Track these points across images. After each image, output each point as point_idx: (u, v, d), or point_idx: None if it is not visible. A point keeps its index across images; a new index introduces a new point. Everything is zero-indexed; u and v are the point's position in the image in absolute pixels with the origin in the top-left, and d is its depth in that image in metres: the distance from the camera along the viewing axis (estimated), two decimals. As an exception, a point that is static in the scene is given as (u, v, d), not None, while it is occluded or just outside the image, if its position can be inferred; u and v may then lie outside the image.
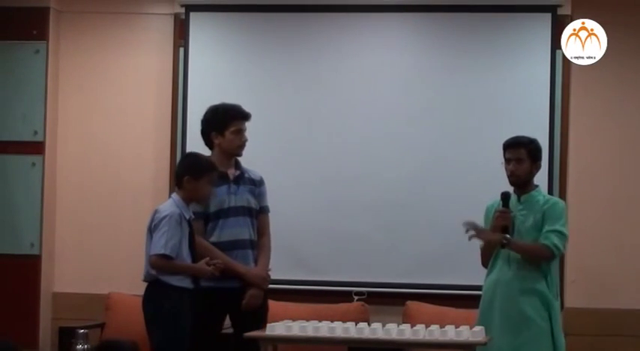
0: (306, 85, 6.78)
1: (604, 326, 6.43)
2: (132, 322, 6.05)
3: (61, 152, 6.99)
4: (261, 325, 4.95)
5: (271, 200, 5.40)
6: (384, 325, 4.74)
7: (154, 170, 6.88)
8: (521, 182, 5.11)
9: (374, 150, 6.66)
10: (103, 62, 7.00)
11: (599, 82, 6.56)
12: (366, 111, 6.68)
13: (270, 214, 5.38)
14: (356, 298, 6.57)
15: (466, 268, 6.09)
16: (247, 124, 5.30)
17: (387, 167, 6.64)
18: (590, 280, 6.49)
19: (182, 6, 6.86)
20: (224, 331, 5.28)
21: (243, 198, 5.24)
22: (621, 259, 6.50)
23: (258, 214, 5.30)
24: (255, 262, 5.25)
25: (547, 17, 6.57)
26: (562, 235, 5.00)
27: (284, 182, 6.48)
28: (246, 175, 5.30)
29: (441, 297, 6.49)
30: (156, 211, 4.97)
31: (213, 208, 5.16)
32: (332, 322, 4.84)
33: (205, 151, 5.26)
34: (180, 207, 4.94)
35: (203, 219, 5.15)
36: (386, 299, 6.54)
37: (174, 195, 5.03)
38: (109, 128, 6.97)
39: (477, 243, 5.13)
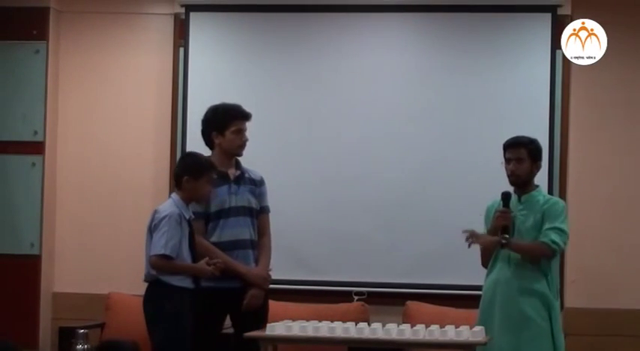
0: (306, 85, 6.78)
1: (604, 326, 6.43)
2: (132, 322, 6.05)
3: (61, 152, 6.98)
4: (262, 325, 4.95)
5: (271, 200, 5.41)
6: (384, 325, 4.75)
7: (153, 170, 6.88)
8: (522, 182, 5.11)
9: (374, 150, 6.66)
10: (103, 62, 7.00)
11: (599, 82, 6.56)
12: (366, 111, 6.68)
13: (270, 214, 5.38)
14: (356, 298, 6.56)
15: (466, 268, 6.08)
16: (247, 124, 5.30)
17: (387, 167, 6.64)
18: (590, 280, 6.49)
19: (182, 6, 6.86)
20: (224, 331, 5.28)
21: (243, 198, 5.24)
22: (621, 259, 6.50)
23: (258, 214, 5.31)
24: (256, 262, 5.25)
25: (547, 17, 6.57)
26: (562, 232, 5.00)
27: (284, 182, 6.47)
28: (247, 175, 5.30)
29: (441, 297, 6.49)
30: (156, 212, 4.97)
31: (213, 208, 5.16)
32: (332, 322, 4.85)
33: (205, 151, 5.26)
34: (179, 207, 4.94)
35: (204, 219, 5.15)
36: (386, 299, 6.54)
37: (174, 195, 5.03)
38: (109, 128, 6.98)
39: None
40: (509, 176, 5.12)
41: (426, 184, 6.61)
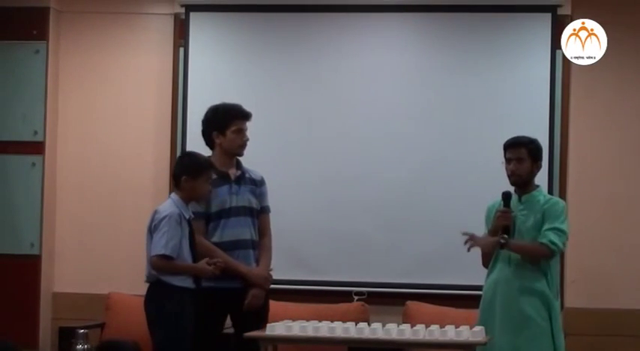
0: (306, 85, 6.78)
1: (604, 326, 6.43)
2: (132, 322, 6.06)
3: (61, 152, 6.98)
4: (262, 325, 4.95)
5: (271, 200, 5.41)
6: (384, 325, 4.75)
7: (153, 170, 6.88)
8: (522, 182, 5.11)
9: (374, 150, 6.66)
10: (103, 62, 7.00)
11: (599, 82, 6.56)
12: (366, 111, 6.68)
13: (270, 214, 5.38)
14: (356, 298, 6.56)
15: (466, 268, 6.08)
16: (247, 124, 5.30)
17: (387, 167, 6.64)
18: (590, 280, 6.49)
19: (182, 6, 6.86)
20: (225, 331, 5.27)
21: (244, 198, 5.24)
22: (621, 259, 6.50)
23: (259, 214, 5.31)
24: (257, 262, 5.25)
25: (547, 17, 6.57)
26: (561, 233, 5.00)
27: (284, 182, 6.47)
28: (248, 175, 5.30)
29: (441, 297, 6.49)
30: (155, 212, 4.97)
31: (214, 208, 5.16)
32: (332, 322, 4.85)
33: (206, 151, 5.25)
34: (179, 207, 4.94)
35: (204, 219, 5.15)
36: (386, 299, 6.54)
37: (173, 195, 5.03)
38: (109, 128, 6.97)
39: (477, 243, 5.14)
40: (509, 176, 5.12)
41: (426, 184, 6.61)
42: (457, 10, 6.67)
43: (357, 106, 6.70)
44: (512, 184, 5.14)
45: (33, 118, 6.84)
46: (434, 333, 4.66)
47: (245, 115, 5.28)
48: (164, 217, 4.88)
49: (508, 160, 5.12)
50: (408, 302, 6.44)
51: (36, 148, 6.84)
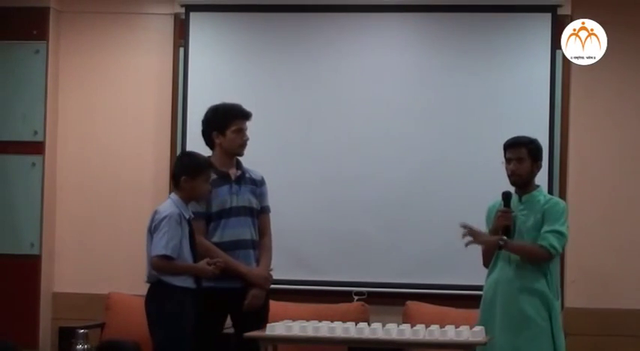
0: (306, 85, 6.78)
1: (604, 326, 6.43)
2: (132, 322, 6.06)
3: (61, 152, 6.98)
4: (263, 325, 4.95)
5: (271, 200, 5.40)
6: (384, 325, 4.75)
7: (153, 170, 6.88)
8: (522, 182, 5.11)
9: (374, 150, 6.66)
10: (103, 62, 7.00)
11: (599, 82, 6.56)
12: (366, 111, 6.68)
13: (270, 214, 5.38)
14: (356, 298, 6.56)
15: (466, 268, 6.09)
16: (247, 124, 5.30)
17: (387, 167, 6.64)
18: (590, 280, 6.49)
19: (182, 6, 6.86)
20: (225, 331, 5.27)
21: (244, 198, 5.24)
22: (621, 259, 6.50)
23: (259, 214, 5.30)
24: (257, 262, 5.25)
25: (547, 17, 6.57)
26: (561, 235, 5.00)
27: (284, 182, 6.47)
28: (248, 175, 5.30)
29: (441, 297, 6.49)
30: (155, 212, 4.97)
31: (215, 208, 5.16)
32: (332, 322, 4.85)
33: (206, 151, 5.25)
34: (179, 207, 4.94)
35: (205, 219, 5.15)
36: (386, 299, 6.54)
37: (173, 195, 5.03)
38: (109, 128, 6.97)
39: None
40: (509, 176, 5.12)
41: (426, 184, 6.61)
42: (457, 10, 6.67)
43: (357, 106, 6.70)
44: (513, 184, 5.14)
45: (33, 118, 6.84)
46: (434, 333, 4.66)
47: (245, 115, 5.28)
48: (164, 218, 4.88)
49: (508, 160, 5.12)
50: (408, 302, 6.43)
51: (36, 148, 6.84)
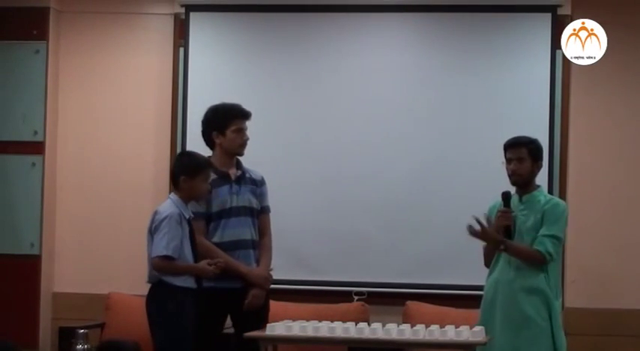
0: (306, 85, 6.78)
1: (604, 326, 6.43)
2: (132, 322, 6.07)
3: (61, 152, 6.98)
4: (263, 325, 4.95)
5: (272, 200, 5.41)
6: (384, 325, 4.75)
7: (154, 170, 6.88)
8: (523, 182, 5.11)
9: (374, 150, 6.65)
10: (103, 62, 7.00)
11: (599, 82, 6.56)
12: (366, 111, 6.68)
13: (270, 214, 5.38)
14: (356, 298, 6.56)
15: (466, 268, 6.10)
16: (247, 124, 5.30)
17: (387, 167, 6.63)
18: (590, 280, 6.49)
19: (182, 6, 6.86)
20: (225, 331, 5.27)
21: (245, 198, 5.24)
22: (621, 259, 6.50)
23: (259, 214, 5.31)
24: (257, 262, 5.25)
25: (547, 17, 6.57)
26: (557, 241, 5.01)
27: (284, 182, 6.47)
28: (248, 175, 5.30)
29: (441, 297, 6.49)
30: (156, 213, 4.97)
31: (215, 208, 5.16)
32: (332, 322, 4.85)
33: (206, 152, 5.25)
34: (179, 207, 4.94)
35: (205, 219, 5.15)
36: (386, 299, 6.54)
37: (172, 195, 5.03)
38: (109, 128, 6.97)
39: (477, 242, 5.13)
40: (510, 176, 5.12)
41: (426, 184, 6.61)
42: (457, 10, 6.67)
43: (357, 106, 6.70)
44: (513, 184, 5.14)
45: (33, 118, 6.84)
46: (434, 333, 4.66)
47: (245, 115, 5.28)
48: (164, 218, 4.88)
49: (508, 160, 5.12)
50: (408, 302, 6.43)
51: (36, 148, 6.84)
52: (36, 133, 6.84)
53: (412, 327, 4.71)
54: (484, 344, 4.71)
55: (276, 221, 5.45)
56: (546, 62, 6.53)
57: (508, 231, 5.04)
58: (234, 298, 5.12)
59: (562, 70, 6.54)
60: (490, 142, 5.92)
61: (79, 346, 4.78)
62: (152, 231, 4.92)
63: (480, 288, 5.23)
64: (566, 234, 5.27)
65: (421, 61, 6.71)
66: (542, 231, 5.01)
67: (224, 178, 5.20)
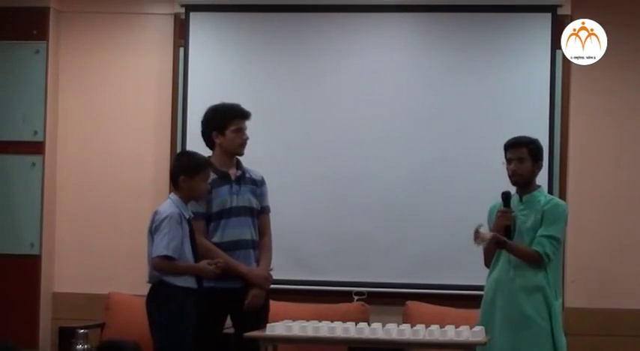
0: (306, 85, 6.78)
1: (604, 326, 6.43)
2: (132, 322, 6.07)
3: (61, 152, 6.98)
4: (262, 325, 4.95)
5: (272, 200, 5.40)
6: (384, 325, 4.75)
7: (154, 170, 6.88)
8: (523, 182, 5.11)
9: (374, 150, 6.65)
10: (103, 62, 7.00)
11: (599, 82, 6.56)
12: (366, 111, 6.68)
13: (270, 214, 5.38)
14: (356, 298, 6.56)
15: (466, 268, 6.10)
16: (247, 124, 5.30)
17: (387, 167, 6.63)
18: (590, 280, 6.49)
19: (182, 6, 6.86)
20: (225, 331, 5.27)
21: (245, 198, 5.24)
22: (621, 259, 6.50)
23: (259, 214, 5.30)
24: (257, 262, 5.25)
25: (547, 17, 6.57)
26: (556, 242, 5.01)
27: (284, 182, 6.47)
28: (248, 175, 5.30)
29: (441, 297, 6.49)
30: (156, 213, 4.97)
31: (215, 208, 5.16)
32: (332, 322, 4.85)
33: (206, 152, 5.25)
34: (179, 207, 4.94)
35: (205, 219, 5.15)
36: (386, 299, 6.54)
37: (172, 195, 5.03)
38: (109, 128, 6.97)
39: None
40: (510, 176, 5.12)
41: (426, 184, 6.61)
42: (457, 10, 6.67)
43: (357, 106, 6.70)
44: (514, 184, 5.14)
45: (33, 118, 6.84)
46: (434, 333, 4.67)
47: (244, 115, 5.28)
48: (165, 218, 4.88)
49: (509, 160, 5.12)
50: (408, 302, 6.43)
51: (36, 148, 6.84)
52: (36, 133, 6.84)
53: (412, 327, 4.71)
54: (484, 344, 4.71)
55: (276, 221, 5.45)
56: (546, 62, 6.53)
57: (508, 231, 5.04)
58: (235, 298, 5.12)
59: (562, 70, 6.54)
60: (490, 142, 5.92)
61: (79, 346, 4.78)
62: (152, 231, 4.92)
63: (479, 288, 5.23)
64: (566, 234, 5.27)
65: (421, 61, 6.71)
66: (541, 231, 5.01)
67: (224, 178, 5.20)
